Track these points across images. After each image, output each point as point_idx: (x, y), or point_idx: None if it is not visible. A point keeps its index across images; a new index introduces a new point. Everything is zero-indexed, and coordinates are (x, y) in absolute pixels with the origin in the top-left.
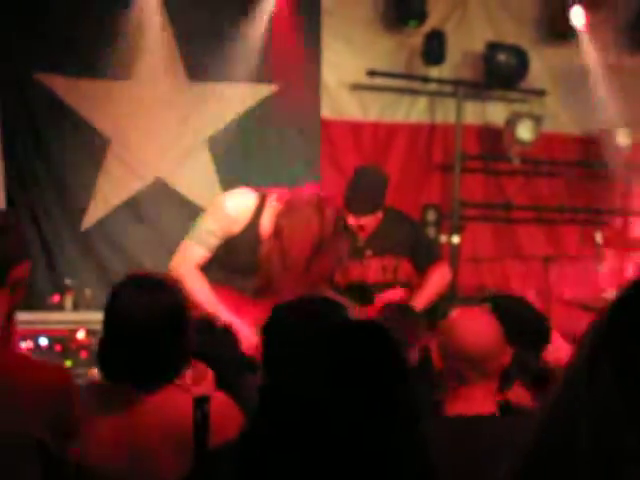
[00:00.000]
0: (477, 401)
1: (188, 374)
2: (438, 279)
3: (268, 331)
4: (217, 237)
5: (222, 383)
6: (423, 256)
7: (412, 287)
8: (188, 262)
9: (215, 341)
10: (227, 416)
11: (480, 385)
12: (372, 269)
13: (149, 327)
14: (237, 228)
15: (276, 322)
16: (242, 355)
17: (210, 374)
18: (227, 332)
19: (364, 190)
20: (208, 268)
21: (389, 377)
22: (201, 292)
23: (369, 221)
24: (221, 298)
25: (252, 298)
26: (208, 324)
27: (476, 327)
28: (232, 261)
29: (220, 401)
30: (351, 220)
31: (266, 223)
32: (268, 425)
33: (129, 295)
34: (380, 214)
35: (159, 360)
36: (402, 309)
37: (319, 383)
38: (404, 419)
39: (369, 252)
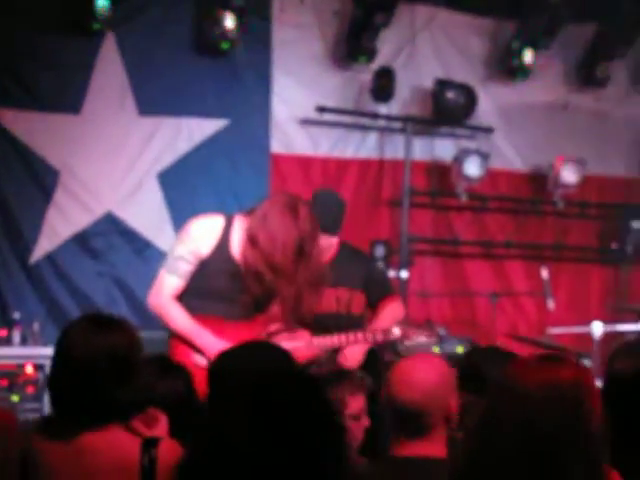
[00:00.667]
0: (426, 445)
1: (139, 417)
2: (392, 312)
3: (211, 375)
4: (187, 262)
5: (176, 426)
6: (377, 290)
7: (365, 320)
8: (163, 293)
9: (169, 383)
10: (175, 462)
11: (416, 440)
12: (325, 301)
13: (94, 367)
14: (206, 250)
15: (218, 367)
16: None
17: (163, 419)
18: (182, 372)
19: (323, 209)
20: (183, 297)
21: (311, 429)
22: (181, 320)
23: (327, 244)
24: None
25: (232, 321)
26: (163, 366)
27: (410, 381)
28: (206, 286)
29: (168, 446)
30: None
31: (236, 241)
32: (199, 464)
33: (79, 334)
34: (336, 240)
35: (104, 400)
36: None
37: (243, 428)
38: (328, 470)
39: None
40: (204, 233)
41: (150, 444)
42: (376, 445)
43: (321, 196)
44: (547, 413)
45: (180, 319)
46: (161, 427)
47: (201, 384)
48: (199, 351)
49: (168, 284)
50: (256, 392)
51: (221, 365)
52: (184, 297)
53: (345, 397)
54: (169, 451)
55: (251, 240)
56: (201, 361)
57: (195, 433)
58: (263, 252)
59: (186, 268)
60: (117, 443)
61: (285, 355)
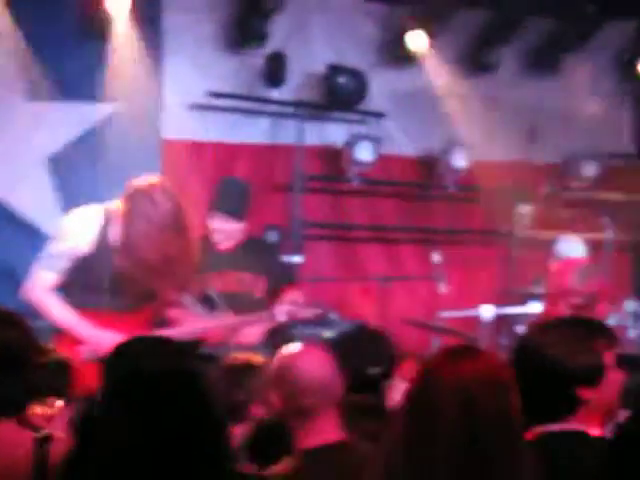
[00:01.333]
0: (328, 431)
1: (37, 410)
2: (291, 299)
3: (103, 369)
4: (65, 259)
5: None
6: (278, 277)
7: (266, 305)
8: (38, 288)
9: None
10: None
11: (326, 415)
12: (229, 281)
13: None
14: (84, 245)
15: (109, 361)
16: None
17: (64, 411)
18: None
19: (231, 192)
20: (64, 292)
21: (192, 422)
22: (60, 313)
23: (233, 229)
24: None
25: (117, 312)
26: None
27: (311, 360)
28: (88, 280)
29: (63, 442)
30: (217, 224)
31: (114, 234)
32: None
33: None
34: (242, 226)
35: None
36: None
37: (122, 423)
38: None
39: (228, 265)
40: (82, 229)
41: (44, 440)
42: None
43: (228, 183)
44: (484, 399)
45: (59, 312)
46: (60, 420)
47: (85, 378)
48: (83, 343)
49: (44, 279)
50: (145, 390)
51: (114, 360)
52: (66, 291)
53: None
54: (63, 447)
55: (119, 246)
56: (86, 354)
57: (80, 427)
58: (128, 256)
59: (64, 265)
60: (7, 440)
61: (177, 349)
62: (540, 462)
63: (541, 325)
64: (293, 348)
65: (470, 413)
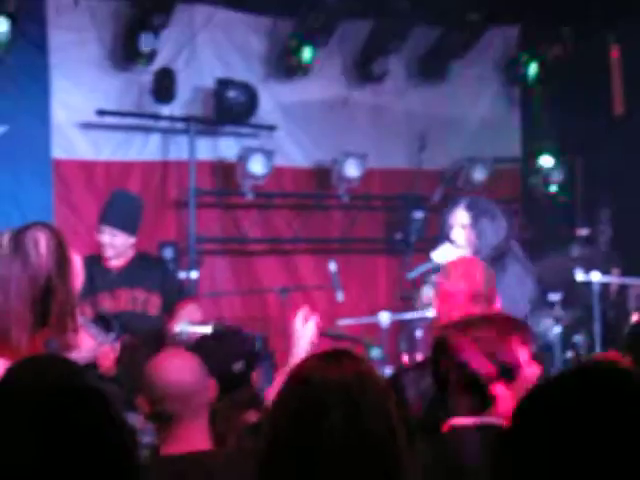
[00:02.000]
0: (192, 439)
1: None
2: (188, 314)
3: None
4: None
5: None
6: (173, 293)
7: (163, 321)
8: None
9: None
10: None
11: (191, 422)
12: (122, 300)
13: None
14: None
15: (5, 383)
16: None
17: None
18: None
19: (122, 209)
20: None
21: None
22: None
23: (122, 243)
24: None
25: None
26: None
27: (176, 365)
28: None
29: None
30: (106, 238)
31: None
32: None
33: None
34: (133, 241)
35: None
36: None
37: (25, 449)
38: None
39: (120, 284)
40: None
41: None
42: None
43: (119, 196)
44: (333, 405)
45: None
46: None
47: None
48: None
49: None
50: (43, 412)
51: (9, 382)
52: None
53: None
54: None
55: None
56: None
57: None
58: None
59: None
60: None
61: (76, 369)
62: (446, 456)
63: (454, 326)
64: (163, 353)
65: (355, 410)
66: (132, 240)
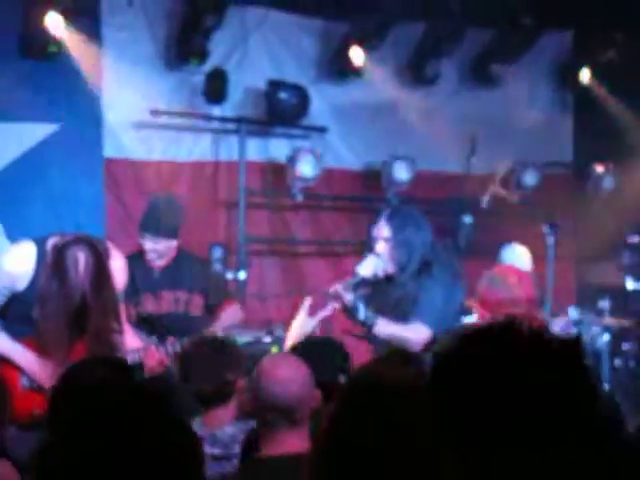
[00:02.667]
0: (292, 444)
1: None
2: (229, 316)
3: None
4: (1, 296)
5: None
6: (214, 294)
7: (205, 321)
8: None
9: None
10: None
11: (292, 429)
12: (165, 302)
13: None
14: (21, 285)
15: (63, 383)
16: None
17: None
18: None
19: (161, 214)
20: (4, 321)
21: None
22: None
23: (165, 247)
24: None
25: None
26: None
27: (286, 376)
28: (27, 312)
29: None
30: (148, 245)
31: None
32: None
33: None
34: (175, 243)
35: None
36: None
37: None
38: None
39: (163, 284)
40: (18, 270)
41: None
42: None
43: (158, 200)
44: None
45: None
46: None
47: (24, 404)
48: (23, 372)
49: None
50: (107, 409)
51: (66, 385)
52: (6, 321)
53: None
54: (4, 474)
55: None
56: (25, 382)
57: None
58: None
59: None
60: None
61: (128, 370)
62: None
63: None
64: (275, 357)
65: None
66: (175, 243)
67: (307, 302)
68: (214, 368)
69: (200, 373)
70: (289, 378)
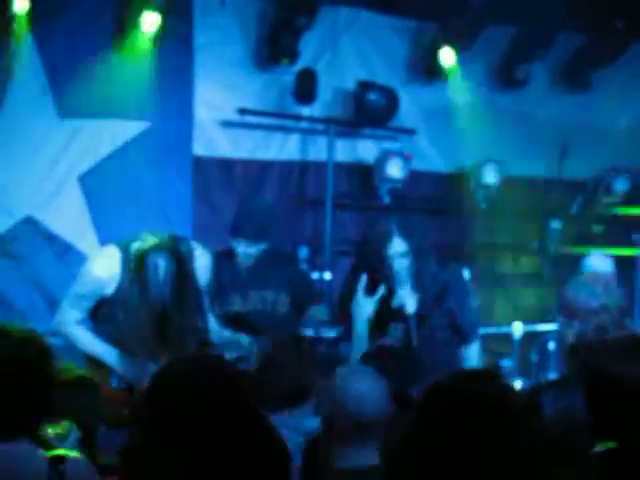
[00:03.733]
0: (362, 457)
1: (50, 430)
2: (315, 315)
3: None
4: (89, 300)
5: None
6: (302, 293)
7: (291, 321)
8: (66, 323)
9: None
10: (83, 478)
11: (363, 447)
12: (252, 301)
13: None
14: (109, 290)
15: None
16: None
17: (74, 432)
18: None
19: (254, 216)
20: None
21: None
22: (87, 343)
23: (257, 250)
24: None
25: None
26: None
27: (361, 393)
28: (115, 313)
29: (76, 462)
30: (241, 248)
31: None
32: None
33: None
34: (264, 245)
35: (7, 410)
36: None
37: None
38: None
39: (250, 283)
40: (106, 275)
41: (58, 460)
42: None
43: (251, 205)
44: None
45: (89, 342)
46: (71, 440)
47: (113, 403)
48: (113, 372)
49: (71, 316)
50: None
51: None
52: (97, 324)
53: None
54: (77, 468)
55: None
56: (114, 382)
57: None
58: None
59: (87, 305)
60: (23, 459)
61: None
62: None
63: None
64: (352, 370)
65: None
66: (264, 245)
67: (364, 280)
68: (296, 369)
69: (282, 373)
70: (366, 394)
